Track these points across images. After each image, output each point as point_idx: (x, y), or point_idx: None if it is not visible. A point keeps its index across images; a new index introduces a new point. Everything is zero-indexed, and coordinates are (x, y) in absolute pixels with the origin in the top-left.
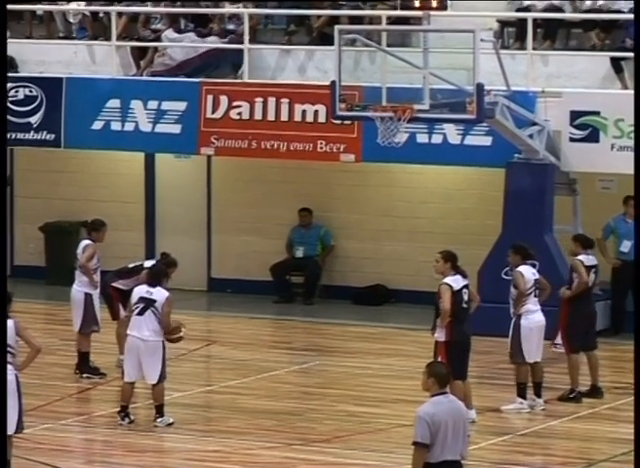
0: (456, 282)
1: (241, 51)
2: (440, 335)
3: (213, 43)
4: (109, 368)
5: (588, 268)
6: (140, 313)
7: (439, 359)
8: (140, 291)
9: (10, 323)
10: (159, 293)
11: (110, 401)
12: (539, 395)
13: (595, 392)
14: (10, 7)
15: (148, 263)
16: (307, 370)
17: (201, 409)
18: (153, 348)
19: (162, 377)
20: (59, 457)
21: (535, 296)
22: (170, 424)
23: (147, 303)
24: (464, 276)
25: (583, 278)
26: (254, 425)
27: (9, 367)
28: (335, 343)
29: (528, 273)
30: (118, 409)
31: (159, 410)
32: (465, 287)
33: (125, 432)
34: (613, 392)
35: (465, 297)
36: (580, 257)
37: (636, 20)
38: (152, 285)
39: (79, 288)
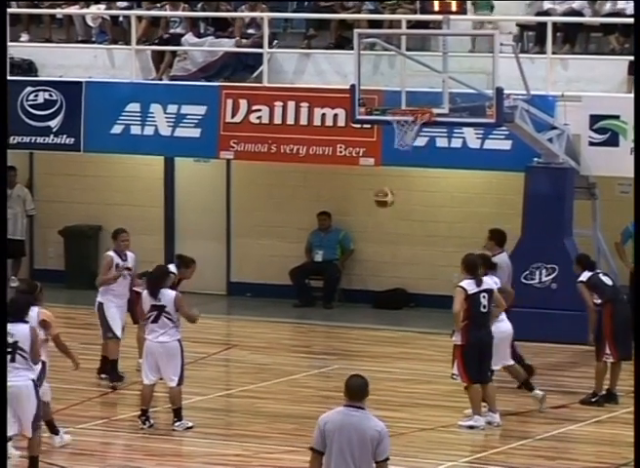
0: (471, 285)
1: (259, 54)
2: (457, 339)
3: (232, 45)
4: (130, 371)
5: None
6: (155, 321)
7: (456, 362)
8: (149, 298)
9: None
10: (166, 297)
11: (130, 404)
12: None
13: (610, 398)
14: (29, 11)
15: (169, 267)
16: (327, 374)
17: (221, 413)
18: (172, 350)
19: (181, 380)
20: (79, 461)
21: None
22: (188, 428)
23: (159, 310)
24: (479, 283)
25: None
26: (274, 429)
27: (26, 373)
28: (354, 347)
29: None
30: (138, 412)
31: (177, 414)
32: (485, 291)
33: (145, 436)
34: (632, 396)
35: (484, 302)
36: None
37: (636, 20)
38: (154, 292)
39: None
